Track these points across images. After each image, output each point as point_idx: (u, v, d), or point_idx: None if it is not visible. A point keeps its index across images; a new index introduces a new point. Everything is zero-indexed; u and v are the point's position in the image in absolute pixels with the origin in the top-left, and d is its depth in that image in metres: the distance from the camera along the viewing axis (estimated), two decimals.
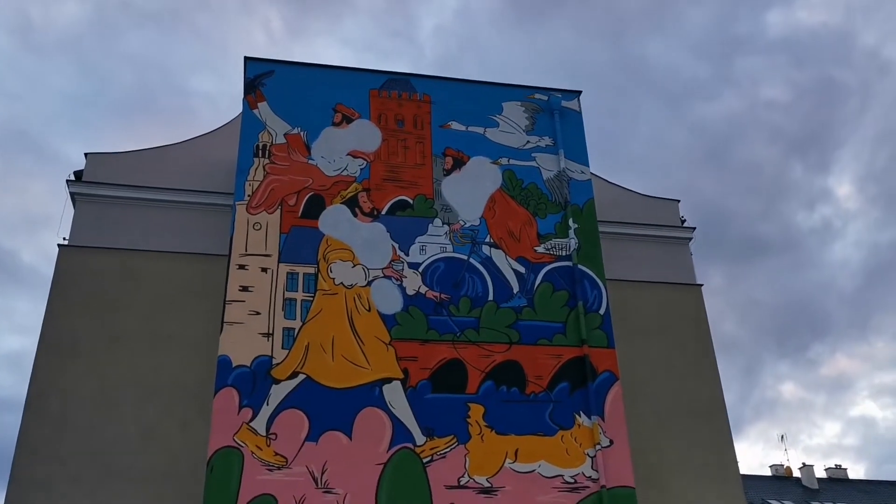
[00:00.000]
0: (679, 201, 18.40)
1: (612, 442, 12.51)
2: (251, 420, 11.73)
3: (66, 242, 15.23)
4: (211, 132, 16.79)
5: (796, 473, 43.23)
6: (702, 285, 17.33)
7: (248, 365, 12.10)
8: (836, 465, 44.93)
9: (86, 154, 16.17)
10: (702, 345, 16.56)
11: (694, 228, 17.93)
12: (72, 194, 15.64)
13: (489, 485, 11.87)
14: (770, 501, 36.42)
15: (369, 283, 13.03)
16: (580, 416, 12.64)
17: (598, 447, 12.37)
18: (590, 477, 12.21)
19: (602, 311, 13.60)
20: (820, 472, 44.30)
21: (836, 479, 44.00)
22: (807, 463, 42.91)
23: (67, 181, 15.70)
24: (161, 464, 13.41)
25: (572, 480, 12.15)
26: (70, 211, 15.70)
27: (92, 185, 15.68)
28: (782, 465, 43.76)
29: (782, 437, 44.75)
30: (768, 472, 43.37)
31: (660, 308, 16.72)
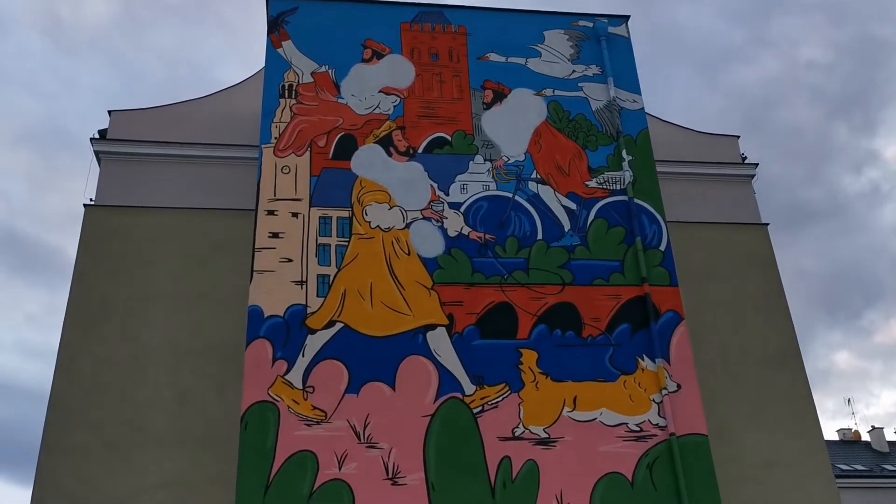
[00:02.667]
0: (739, 137, 17.09)
1: (679, 386, 11.40)
2: (286, 373, 10.90)
3: (91, 202, 14.59)
4: (236, 85, 16.01)
5: (865, 437, 41.46)
6: (768, 224, 16.03)
7: (281, 315, 11.26)
8: None
9: (109, 112, 15.48)
10: (771, 288, 15.28)
11: (756, 165, 16.62)
12: (96, 153, 14.98)
13: (546, 435, 10.88)
14: (840, 466, 34.74)
15: (408, 226, 12.08)
16: (643, 359, 11.55)
17: (664, 392, 11.28)
18: (657, 424, 11.13)
19: (662, 248, 12.45)
20: (890, 436, 42.44)
21: None
22: (876, 426, 41.14)
23: (91, 139, 15.04)
24: (197, 428, 12.70)
25: (637, 429, 11.07)
26: (95, 171, 15.05)
27: (116, 142, 15.01)
28: (850, 430, 42.02)
29: (849, 400, 43.07)
30: (835, 437, 41.70)
31: (723, 250, 15.48)
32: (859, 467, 36.00)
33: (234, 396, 12.14)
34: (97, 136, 15.14)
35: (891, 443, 41.31)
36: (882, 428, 41.03)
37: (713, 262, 15.24)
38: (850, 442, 40.13)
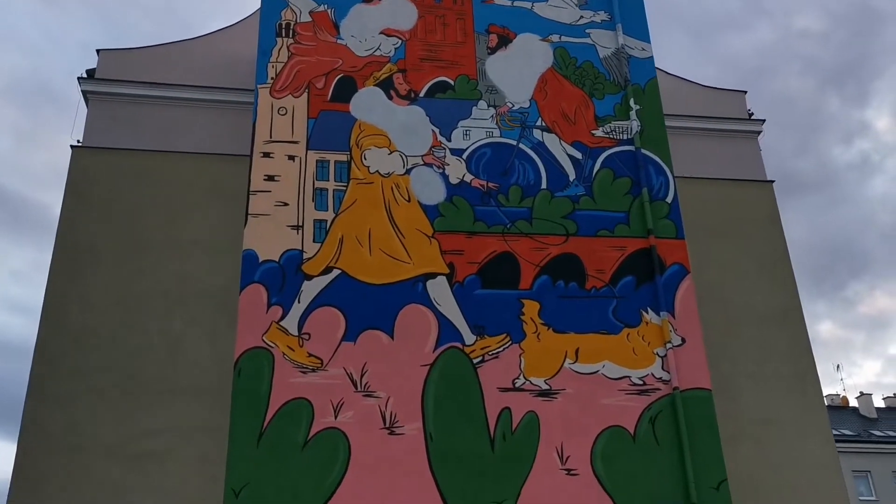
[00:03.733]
0: (746, 92, 16.69)
1: (683, 340, 11.14)
2: (281, 319, 10.56)
3: (79, 144, 14.11)
4: (231, 26, 15.47)
5: (853, 403, 41.74)
6: (773, 182, 15.72)
7: (277, 260, 10.89)
8: (894, 394, 43.35)
9: (98, 51, 14.92)
10: (775, 246, 15.03)
11: (763, 121, 16.25)
12: (84, 93, 14.46)
13: (547, 387, 10.62)
14: None
15: (408, 172, 11.68)
16: (647, 312, 11.27)
17: (668, 346, 11.02)
18: (660, 378, 10.88)
19: (669, 200, 12.11)
20: (878, 402, 42.73)
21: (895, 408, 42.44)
22: (864, 392, 41.41)
23: (79, 79, 14.51)
24: (189, 377, 12.41)
25: (640, 382, 10.83)
26: (83, 112, 14.54)
27: (105, 82, 14.49)
28: (838, 395, 42.27)
29: (838, 367, 43.32)
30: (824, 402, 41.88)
31: (728, 207, 15.19)
32: (847, 432, 36.26)
33: (227, 345, 11.82)
34: (85, 75, 14.62)
35: (878, 409, 41.63)
36: (870, 394, 41.39)
37: (717, 219, 14.95)
38: (837, 408, 40.39)
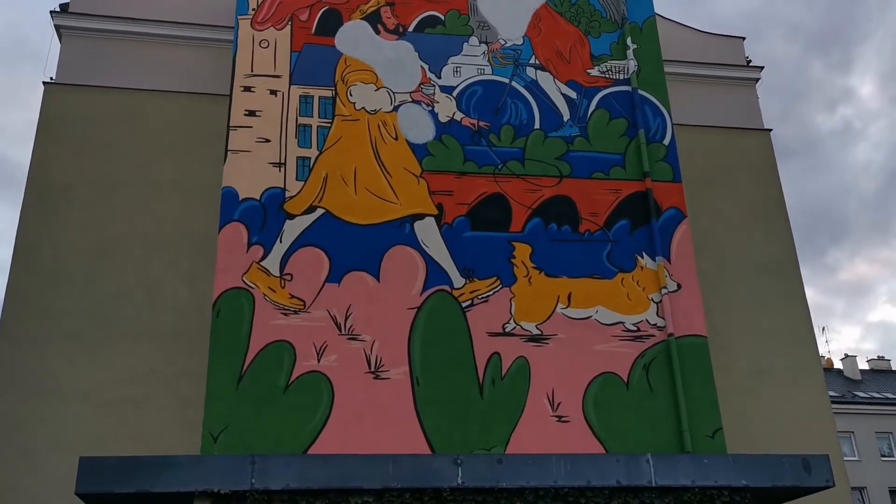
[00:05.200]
0: (744, 38, 16.21)
1: (679, 286, 10.79)
2: (262, 259, 10.13)
3: (52, 81, 13.50)
4: None
5: (838, 365, 41.85)
6: (771, 130, 15.31)
7: (258, 198, 10.42)
8: (878, 357, 43.52)
9: None
10: (771, 195, 14.67)
11: (762, 68, 15.79)
12: (57, 27, 13.81)
13: (539, 332, 10.26)
14: None
15: (395, 109, 11.19)
16: (642, 257, 10.90)
17: (663, 291, 10.66)
18: (655, 324, 10.54)
19: (666, 142, 11.68)
20: (862, 364, 42.89)
21: (879, 371, 42.63)
22: (849, 354, 41.51)
23: (52, 13, 13.84)
24: (167, 320, 11.99)
25: (634, 328, 10.49)
26: (57, 47, 13.90)
27: (80, 16, 13.83)
28: (823, 357, 42.36)
29: (823, 329, 43.36)
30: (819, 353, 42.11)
31: (723, 154, 14.79)
32: (832, 394, 36.30)
33: (205, 288, 11.41)
34: (58, 9, 13.95)
35: (862, 371, 41.77)
36: (855, 356, 41.48)
37: (713, 167, 14.56)
38: (823, 369, 40.40)
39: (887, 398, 37.98)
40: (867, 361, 43.47)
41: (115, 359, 11.61)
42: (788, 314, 13.80)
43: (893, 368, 43.01)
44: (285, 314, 9.87)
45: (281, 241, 10.24)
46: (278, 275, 10.06)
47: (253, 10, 11.50)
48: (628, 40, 12.15)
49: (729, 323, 13.28)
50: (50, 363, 11.47)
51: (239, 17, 11.43)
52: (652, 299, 10.68)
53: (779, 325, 13.64)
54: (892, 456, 35.96)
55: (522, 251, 10.68)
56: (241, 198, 10.39)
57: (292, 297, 9.97)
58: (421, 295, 10.24)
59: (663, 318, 10.55)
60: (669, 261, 10.92)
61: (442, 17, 11.91)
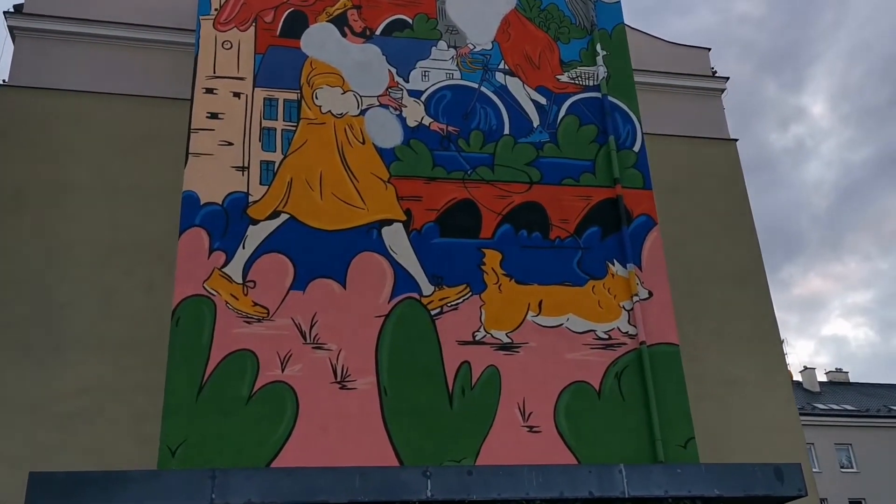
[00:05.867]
0: (710, 49, 16.28)
1: (651, 294, 10.65)
2: (224, 265, 9.76)
3: (4, 83, 13.02)
4: None
5: (797, 377, 42.30)
6: (737, 140, 15.36)
7: (220, 202, 10.07)
8: (836, 369, 44.11)
9: None
10: (737, 204, 14.71)
11: (727, 79, 15.87)
12: (10, 28, 13.35)
13: (509, 340, 10.03)
14: None
15: (362, 113, 10.93)
16: (613, 264, 10.75)
17: (635, 299, 10.51)
18: (626, 332, 10.38)
19: (636, 149, 11.58)
20: (821, 377, 43.42)
21: (838, 383, 43.19)
22: (808, 366, 42.01)
23: (5, 13, 13.38)
24: (123, 330, 11.56)
25: (606, 336, 10.32)
26: (10, 49, 13.43)
27: (34, 17, 13.41)
28: None
29: (783, 340, 43.85)
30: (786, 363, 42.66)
31: (690, 164, 14.82)
32: None
33: (163, 297, 11.00)
34: (12, 10, 13.49)
35: (821, 383, 42.30)
36: (814, 369, 42.00)
37: (679, 176, 14.55)
38: None
39: (846, 410, 38.48)
40: (825, 374, 44.06)
41: (66, 370, 11.14)
42: (756, 323, 13.81)
43: (851, 381, 43.65)
44: (248, 322, 9.52)
45: (244, 247, 9.89)
46: (241, 282, 9.71)
47: (215, 10, 11.18)
48: (598, 47, 12.06)
49: (697, 332, 13.22)
50: None
51: (201, 18, 11.10)
52: (623, 307, 10.53)
53: (747, 334, 13.64)
54: (852, 467, 36.37)
55: (492, 258, 10.47)
56: (202, 202, 10.02)
57: (255, 304, 9.62)
58: (389, 303, 9.95)
59: (635, 326, 10.40)
60: (640, 268, 10.79)
61: (410, 21, 11.71)
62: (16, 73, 13.13)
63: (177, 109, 12.29)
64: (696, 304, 13.48)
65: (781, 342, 13.89)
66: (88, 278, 11.76)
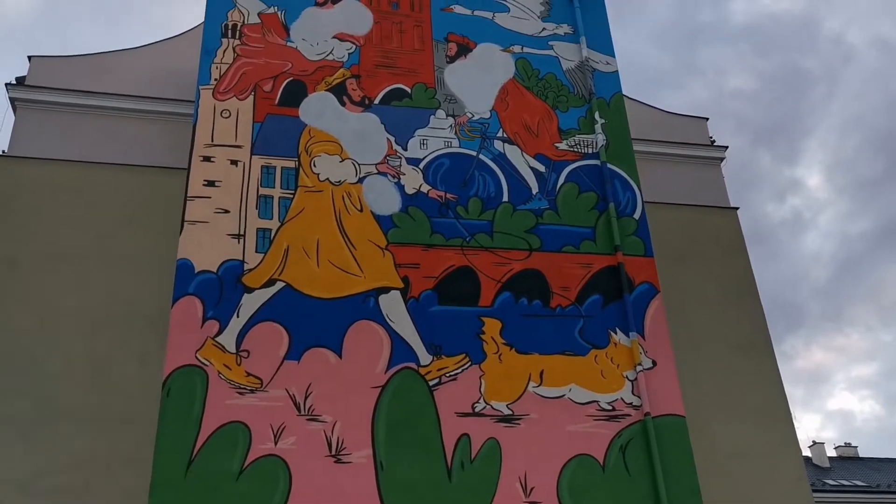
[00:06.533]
0: (707, 119, 16.38)
1: (654, 363, 10.38)
2: (217, 335, 9.54)
3: (3, 154, 13.05)
4: (172, 38, 14.72)
5: (806, 452, 41.37)
6: (737, 209, 15.29)
7: (214, 271, 9.90)
8: (845, 444, 43.19)
9: (29, 57, 13.96)
10: (740, 272, 14.55)
11: (726, 147, 15.91)
12: (12, 100, 13.46)
13: (510, 412, 9.73)
14: None
15: (360, 180, 10.86)
16: (616, 333, 10.52)
17: (638, 369, 10.24)
18: (630, 403, 10.07)
19: (637, 216, 11.48)
20: (830, 451, 42.50)
21: (847, 458, 42.23)
22: (817, 441, 41.14)
23: (7, 85, 13.51)
24: (113, 403, 11.30)
25: (609, 407, 10.01)
26: (11, 120, 13.51)
27: (35, 89, 13.54)
28: None
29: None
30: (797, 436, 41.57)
31: (691, 232, 14.72)
32: None
33: (156, 369, 10.67)
34: (14, 82, 13.62)
35: (830, 458, 41.34)
36: (822, 443, 41.09)
37: (681, 245, 14.43)
38: None
39: (857, 486, 37.50)
40: (834, 448, 43.10)
41: (54, 444, 10.82)
42: (764, 395, 13.49)
43: (861, 455, 42.68)
44: (241, 393, 9.24)
45: (238, 316, 9.68)
46: (234, 351, 9.47)
47: (215, 80, 11.23)
48: (596, 115, 12.08)
49: (703, 403, 12.84)
50: None
51: (200, 87, 11.14)
52: (627, 377, 10.25)
53: (754, 405, 13.30)
54: None
55: (492, 327, 10.24)
56: (196, 270, 9.86)
57: (249, 374, 9.36)
58: (386, 373, 9.69)
59: (639, 397, 10.10)
60: (643, 337, 10.55)
61: (408, 90, 11.76)
62: (16, 144, 13.17)
63: (175, 178, 12.25)
64: (702, 375, 13.17)
65: (791, 415, 13.52)
66: (80, 349, 11.54)
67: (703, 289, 14.13)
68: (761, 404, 13.34)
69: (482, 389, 9.81)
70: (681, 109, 16.70)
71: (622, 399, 10.10)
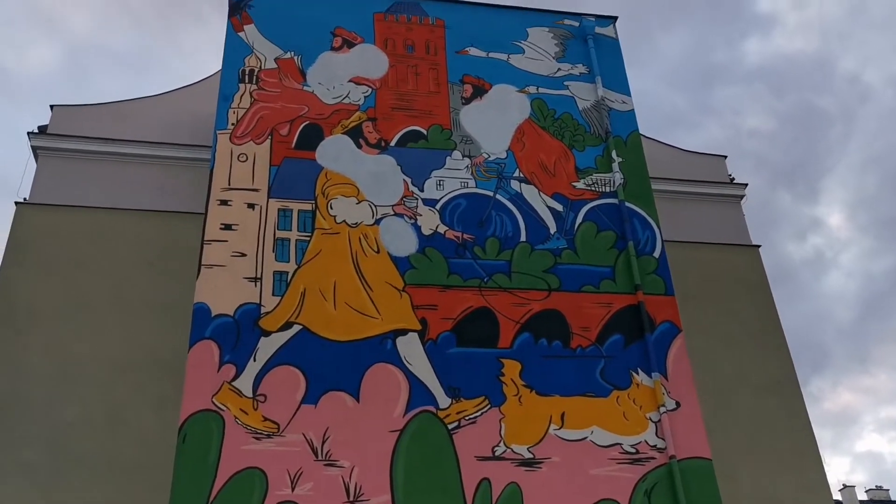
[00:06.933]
0: (726, 157, 16.28)
1: (678, 404, 10.15)
2: (234, 379, 9.44)
3: (24, 201, 13.16)
4: (190, 85, 14.89)
5: (836, 496, 40.42)
6: (759, 246, 15.10)
7: (231, 314, 9.84)
8: (877, 486, 42.21)
9: (51, 106, 14.17)
10: (764, 312, 14.30)
11: (745, 185, 15.77)
12: (34, 148, 13.63)
13: (531, 455, 9.52)
14: None
15: (377, 222, 10.83)
16: (638, 373, 10.32)
17: (662, 410, 10.01)
18: (654, 446, 9.83)
19: (657, 254, 11.33)
20: (861, 495, 41.56)
21: (879, 501, 41.24)
22: (847, 484, 40.24)
23: (29, 134, 13.69)
24: (130, 450, 11.21)
25: (633, 450, 9.77)
26: (32, 168, 13.66)
27: (57, 137, 13.71)
28: None
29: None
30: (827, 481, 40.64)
31: (712, 271, 14.53)
32: None
33: (173, 415, 10.57)
34: (36, 130, 13.80)
35: (862, 501, 40.36)
36: (853, 486, 40.18)
37: (703, 283, 14.24)
38: None
39: None
40: (866, 492, 42.12)
41: (70, 493, 10.73)
42: (792, 437, 13.16)
43: (893, 499, 41.63)
44: (257, 438, 9.11)
45: (255, 360, 9.59)
46: (251, 395, 9.36)
47: (232, 124, 11.31)
48: (613, 153, 12.03)
49: (729, 446, 12.55)
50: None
51: (218, 132, 11.22)
52: (650, 418, 10.02)
53: (783, 448, 12.95)
54: None
55: (512, 368, 10.08)
56: (213, 314, 9.81)
57: (265, 419, 9.24)
58: (404, 416, 9.53)
59: (663, 439, 9.86)
60: (666, 377, 10.33)
61: (424, 132, 11.77)
62: (37, 191, 13.28)
63: (192, 223, 12.28)
64: (727, 416, 12.90)
65: (821, 458, 13.14)
66: (97, 396, 11.49)
67: (726, 328, 13.89)
68: (790, 447, 12.99)
69: (502, 433, 9.62)
70: (697, 149, 16.63)
71: (646, 441, 9.86)
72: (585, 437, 9.78)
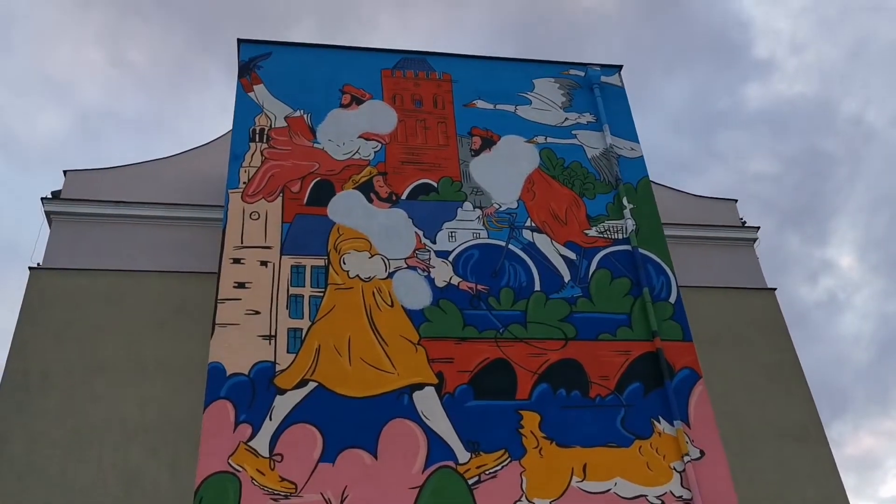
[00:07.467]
0: (737, 201, 16.23)
1: (703, 453, 9.95)
2: (250, 439, 9.32)
3: (38, 266, 13.18)
4: (201, 146, 14.98)
5: None
6: (775, 289, 14.96)
7: (246, 373, 9.77)
8: None
9: (65, 172, 14.29)
10: (784, 356, 14.06)
11: (758, 228, 15.69)
12: (47, 213, 13.69)
13: None
14: None
15: (390, 275, 10.80)
16: (659, 422, 10.15)
17: (686, 459, 9.81)
18: (680, 497, 9.61)
19: (672, 300, 11.24)
20: None
21: None
22: None
23: (42, 199, 13.78)
24: None
25: (658, 501, 9.55)
26: (46, 233, 13.72)
27: (70, 202, 13.76)
28: None
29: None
30: None
31: (729, 316, 14.34)
32: None
33: (188, 477, 10.48)
34: (49, 196, 13.90)
35: None
36: None
37: (720, 328, 14.05)
38: None
39: None
40: None
41: None
42: (819, 484, 12.79)
43: None
44: (275, 500, 8.95)
45: (271, 419, 9.48)
46: (267, 455, 9.23)
47: (244, 183, 11.38)
48: (624, 200, 12.02)
49: (756, 495, 12.27)
50: None
51: (229, 191, 11.28)
52: (674, 468, 9.81)
53: (810, 496, 12.61)
54: None
55: (531, 420, 9.93)
56: (228, 373, 9.74)
57: (283, 479, 9.09)
58: (423, 472, 9.37)
59: (689, 490, 9.64)
60: (689, 425, 10.15)
61: (435, 185, 11.82)
62: (50, 256, 13.30)
63: (205, 282, 12.29)
64: (752, 464, 12.61)
65: None
66: (112, 460, 11.32)
67: (746, 373, 13.66)
68: (818, 495, 12.65)
69: (524, 486, 9.43)
70: (705, 194, 16.60)
71: (671, 492, 9.64)
72: (609, 489, 9.58)
